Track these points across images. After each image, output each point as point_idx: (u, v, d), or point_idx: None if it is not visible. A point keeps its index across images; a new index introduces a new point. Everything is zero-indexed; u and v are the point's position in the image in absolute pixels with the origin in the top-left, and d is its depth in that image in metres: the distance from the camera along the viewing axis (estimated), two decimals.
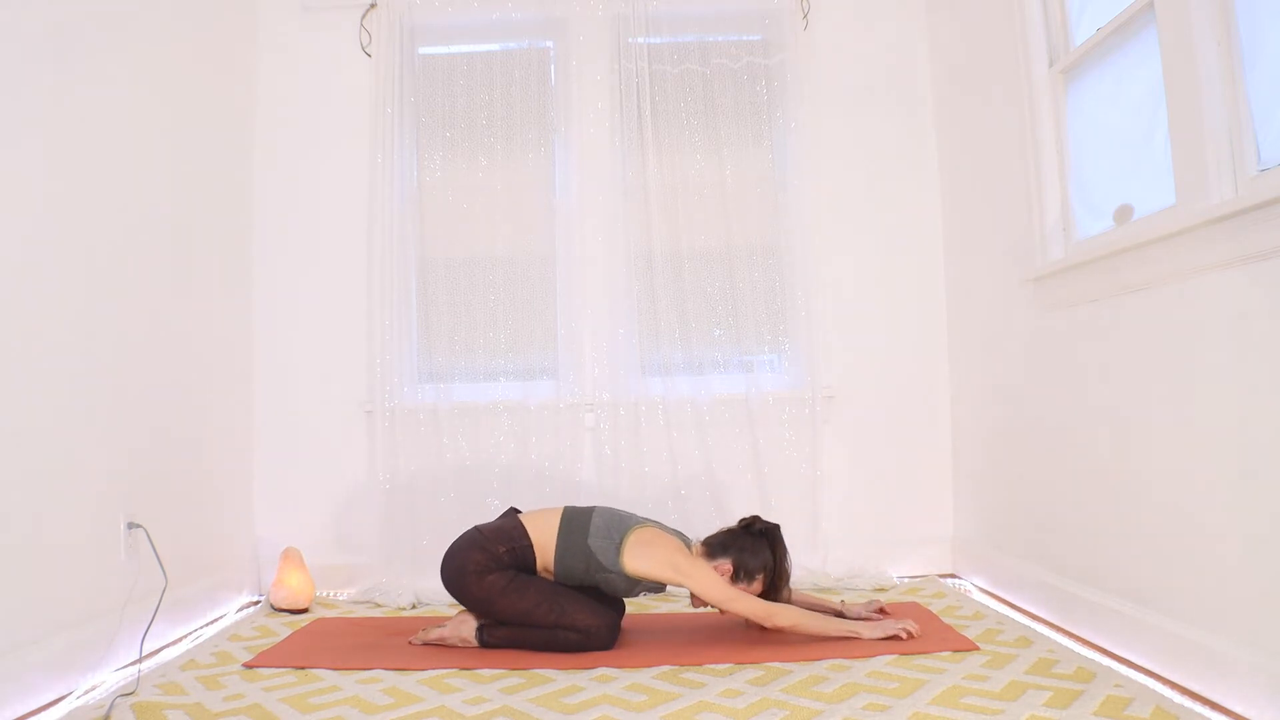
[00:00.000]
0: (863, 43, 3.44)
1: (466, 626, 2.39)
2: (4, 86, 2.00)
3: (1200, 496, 1.87)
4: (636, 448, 3.26)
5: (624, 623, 2.51)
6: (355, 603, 3.11)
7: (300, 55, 3.42)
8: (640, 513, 3.13)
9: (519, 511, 2.50)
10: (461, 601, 2.38)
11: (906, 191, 3.41)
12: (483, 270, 3.34)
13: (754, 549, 2.37)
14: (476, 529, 2.43)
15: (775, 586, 2.39)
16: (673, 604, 2.92)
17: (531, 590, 2.30)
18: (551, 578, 2.39)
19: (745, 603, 2.30)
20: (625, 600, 2.55)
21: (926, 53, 3.44)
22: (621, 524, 2.38)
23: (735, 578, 2.35)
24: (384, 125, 3.32)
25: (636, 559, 2.31)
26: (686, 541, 2.44)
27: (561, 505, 2.56)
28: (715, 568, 2.35)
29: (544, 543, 2.37)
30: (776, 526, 2.45)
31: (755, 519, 2.47)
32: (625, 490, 3.24)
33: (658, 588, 2.41)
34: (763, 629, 2.38)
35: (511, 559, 2.35)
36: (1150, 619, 2.04)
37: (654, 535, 2.37)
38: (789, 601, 2.50)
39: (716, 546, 2.40)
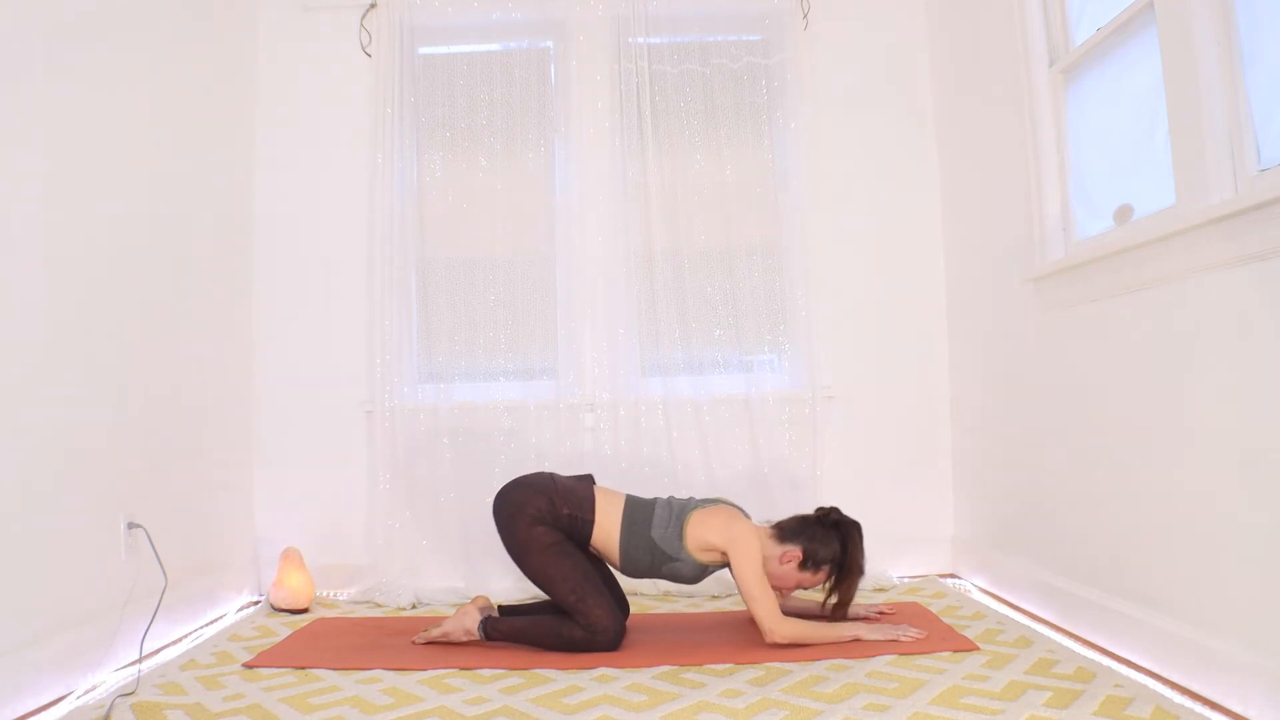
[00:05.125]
0: (863, 43, 3.44)
1: (470, 618, 2.38)
2: (3, 87, 2.00)
3: (1200, 496, 1.87)
4: (636, 448, 3.26)
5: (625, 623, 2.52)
6: (355, 603, 3.11)
7: (300, 55, 3.42)
8: None
9: (594, 481, 2.47)
10: (501, 535, 2.37)
11: (906, 191, 3.41)
12: (483, 270, 3.34)
13: (824, 539, 2.35)
14: (551, 476, 2.42)
15: (841, 581, 2.37)
16: (673, 604, 2.92)
17: (568, 563, 2.29)
18: (617, 565, 2.40)
19: (762, 605, 2.27)
20: (627, 599, 2.55)
21: (926, 53, 3.44)
22: (682, 510, 2.39)
23: (803, 565, 2.34)
24: (384, 125, 3.32)
25: (699, 528, 2.32)
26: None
27: (624, 493, 2.54)
28: (784, 554, 2.35)
29: (607, 527, 2.37)
30: (854, 524, 2.40)
31: (833, 510, 2.44)
32: (625, 490, 3.23)
33: (724, 565, 2.38)
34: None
35: (569, 524, 2.35)
36: (1150, 619, 2.04)
37: (717, 508, 2.38)
38: (797, 606, 2.54)
39: (788, 532, 2.39)
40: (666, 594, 3.06)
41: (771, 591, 2.30)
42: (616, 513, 2.38)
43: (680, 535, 2.33)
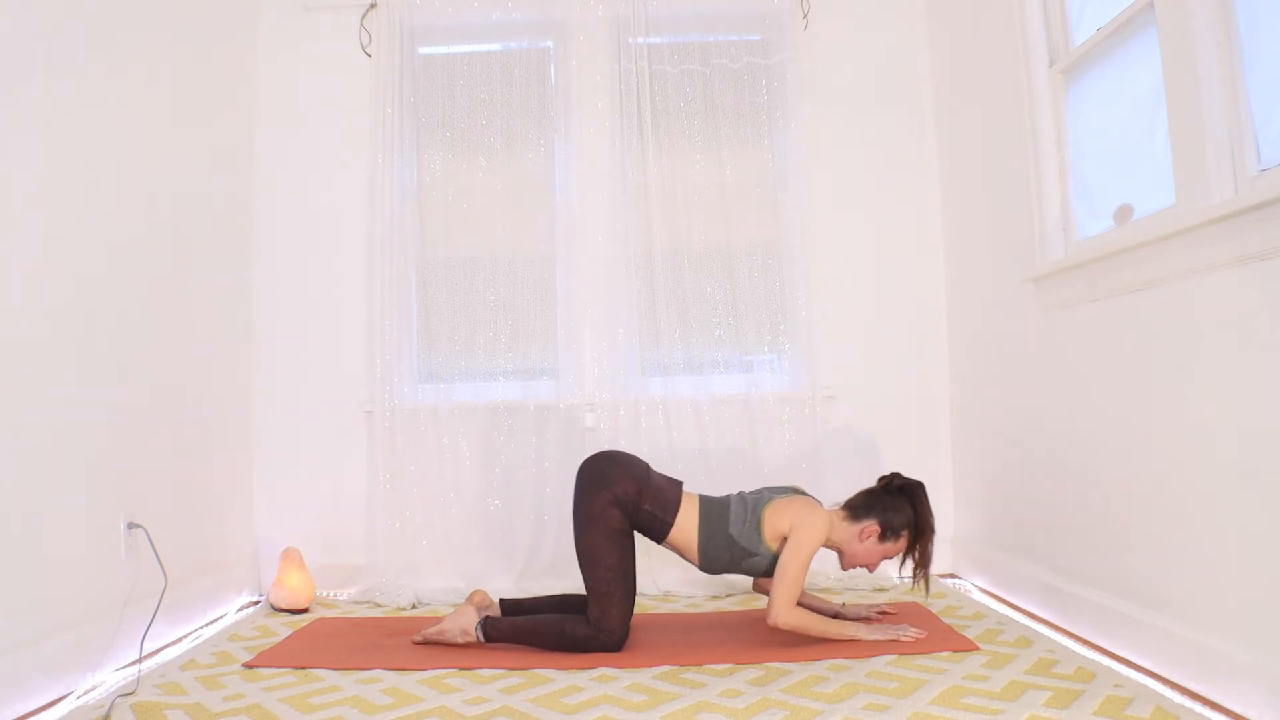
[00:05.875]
0: (863, 43, 3.44)
1: (467, 618, 2.38)
2: (3, 87, 2.00)
3: (1200, 496, 1.87)
4: (637, 447, 3.25)
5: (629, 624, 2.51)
6: (355, 603, 3.11)
7: (300, 56, 3.42)
8: None
9: (682, 486, 2.47)
10: (576, 495, 2.38)
11: (906, 191, 3.41)
12: (483, 270, 3.34)
13: (896, 506, 2.35)
14: (648, 468, 2.43)
15: (917, 541, 2.36)
16: (673, 604, 2.92)
17: (619, 555, 2.30)
18: (696, 563, 2.40)
19: (785, 587, 2.26)
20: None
21: (927, 53, 3.44)
22: (756, 503, 2.38)
23: (883, 537, 2.34)
24: (384, 125, 3.32)
25: (776, 516, 2.32)
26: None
27: (696, 493, 2.55)
28: (863, 530, 2.35)
29: (686, 529, 2.37)
30: (918, 484, 2.40)
31: (895, 476, 2.43)
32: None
33: None
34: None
35: (645, 521, 2.35)
36: (1150, 619, 2.04)
37: (792, 499, 2.36)
38: (811, 603, 2.54)
39: (860, 508, 2.38)
40: (667, 594, 3.06)
41: (802, 582, 2.29)
42: (694, 514, 2.39)
43: (758, 529, 2.33)
